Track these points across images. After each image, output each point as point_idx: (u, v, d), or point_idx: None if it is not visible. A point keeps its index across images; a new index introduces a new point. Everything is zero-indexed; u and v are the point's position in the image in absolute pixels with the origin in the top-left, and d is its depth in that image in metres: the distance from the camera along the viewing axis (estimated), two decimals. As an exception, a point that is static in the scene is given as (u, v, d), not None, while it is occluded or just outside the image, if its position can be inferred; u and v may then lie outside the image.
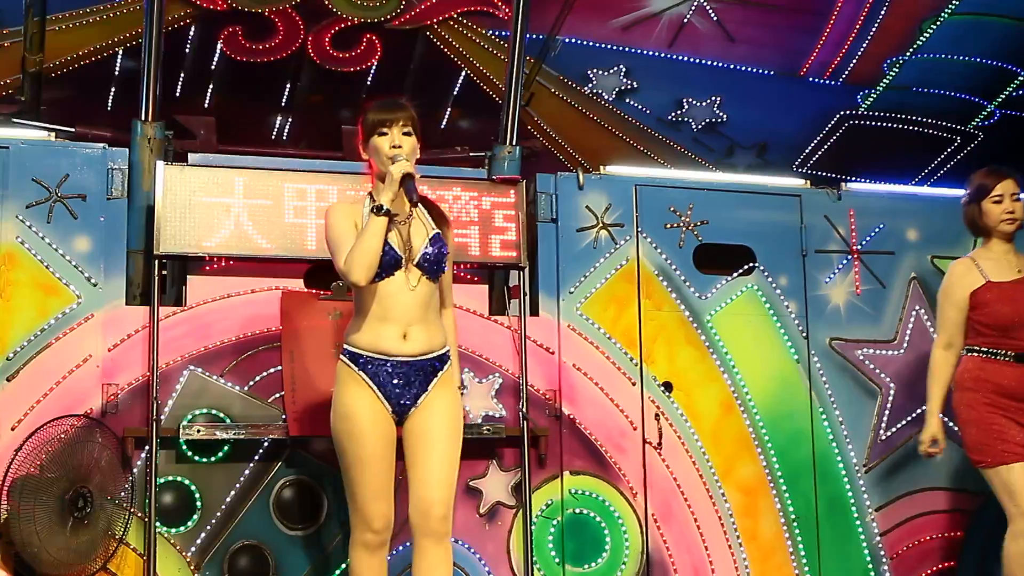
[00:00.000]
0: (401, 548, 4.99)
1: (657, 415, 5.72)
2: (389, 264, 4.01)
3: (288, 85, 7.48)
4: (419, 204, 4.11)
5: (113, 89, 7.20)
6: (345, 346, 4.11)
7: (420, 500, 4.01)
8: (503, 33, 7.19)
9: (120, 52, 7.01)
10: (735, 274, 5.97)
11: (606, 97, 7.68)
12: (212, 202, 5.25)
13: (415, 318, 4.05)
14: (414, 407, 4.06)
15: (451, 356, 4.20)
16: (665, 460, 5.71)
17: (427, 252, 4.07)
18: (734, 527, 5.77)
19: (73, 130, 5.89)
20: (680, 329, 5.85)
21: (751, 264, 6.01)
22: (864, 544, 5.97)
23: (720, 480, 5.79)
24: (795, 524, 5.86)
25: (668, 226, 5.90)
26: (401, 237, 4.06)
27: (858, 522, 5.99)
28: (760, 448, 5.88)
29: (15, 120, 6.07)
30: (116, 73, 7.11)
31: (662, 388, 5.75)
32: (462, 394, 4.32)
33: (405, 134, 4.06)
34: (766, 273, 6.02)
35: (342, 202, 4.19)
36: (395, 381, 4.03)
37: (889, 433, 6.09)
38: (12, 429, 4.94)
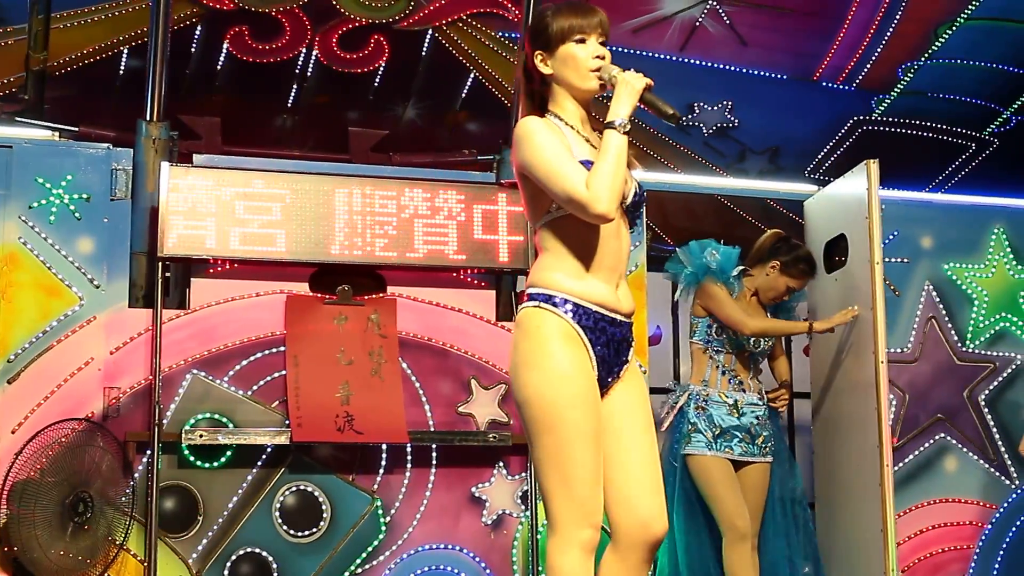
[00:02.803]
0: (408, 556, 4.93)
1: None
2: None
3: (295, 86, 7.43)
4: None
5: (118, 88, 7.15)
6: (540, 291, 3.18)
7: (636, 504, 3.17)
8: (513, 35, 7.13)
9: (125, 51, 6.95)
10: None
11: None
12: (217, 203, 5.20)
13: (623, 269, 3.26)
14: (617, 380, 3.24)
15: None
16: None
17: (638, 194, 3.29)
18: None
19: (77, 129, 5.84)
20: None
21: None
22: (875, 556, 5.88)
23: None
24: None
25: None
26: None
27: (869, 533, 5.90)
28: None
29: (18, 119, 6.01)
30: (121, 72, 7.05)
31: None
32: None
33: (602, 44, 3.23)
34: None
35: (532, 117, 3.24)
36: (608, 344, 3.19)
37: (902, 444, 6.01)
38: (12, 432, 4.89)
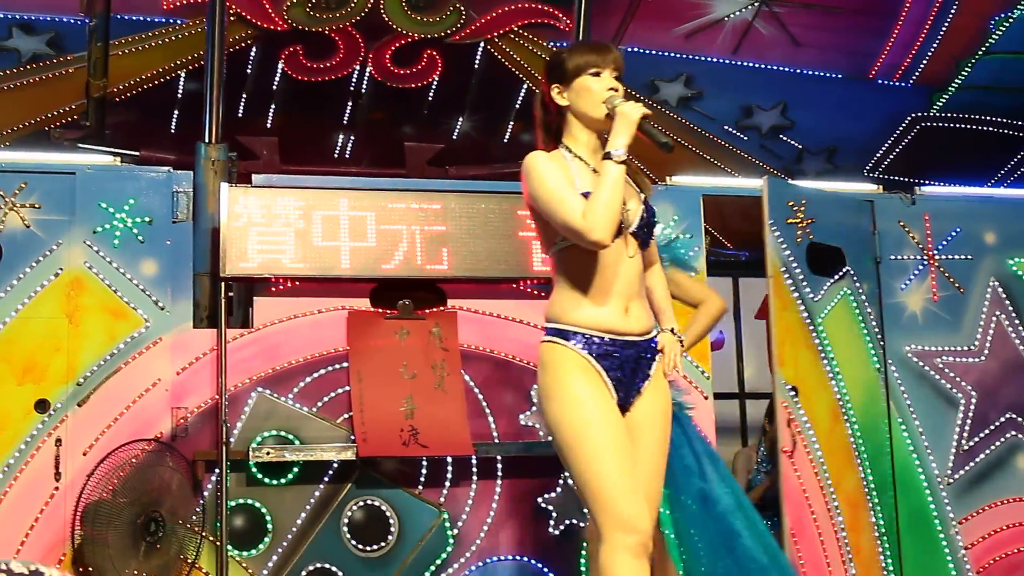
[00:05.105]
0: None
1: (789, 421, 5.42)
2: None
3: (350, 103, 7.49)
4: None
5: (176, 112, 7.24)
6: (553, 325, 3.41)
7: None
8: (564, 44, 7.14)
9: (183, 75, 7.06)
10: (835, 276, 5.76)
11: (670, 105, 7.60)
12: (277, 222, 5.23)
13: (634, 292, 3.44)
14: (637, 396, 3.44)
15: (668, 312, 3.66)
16: (797, 470, 5.43)
17: (645, 218, 3.47)
18: (845, 542, 5.54)
19: (138, 154, 5.92)
20: (801, 331, 5.58)
21: (846, 268, 5.81)
22: (949, 557, 5.79)
23: (835, 491, 5.53)
24: (884, 538, 5.66)
25: (788, 220, 5.65)
26: None
27: (942, 535, 5.81)
28: (859, 458, 5.66)
29: (81, 145, 6.12)
30: (179, 96, 7.16)
31: (791, 393, 5.44)
32: (682, 346, 3.59)
33: (616, 79, 3.46)
34: (855, 278, 5.85)
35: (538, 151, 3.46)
36: (622, 366, 3.40)
37: (972, 443, 5.91)
38: (84, 454, 4.95)
